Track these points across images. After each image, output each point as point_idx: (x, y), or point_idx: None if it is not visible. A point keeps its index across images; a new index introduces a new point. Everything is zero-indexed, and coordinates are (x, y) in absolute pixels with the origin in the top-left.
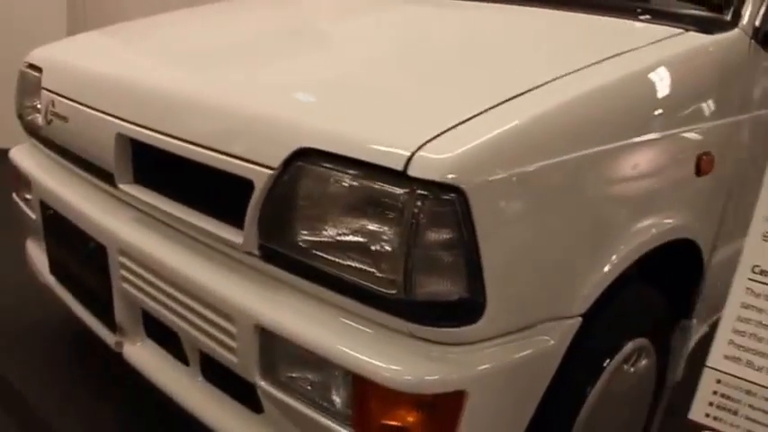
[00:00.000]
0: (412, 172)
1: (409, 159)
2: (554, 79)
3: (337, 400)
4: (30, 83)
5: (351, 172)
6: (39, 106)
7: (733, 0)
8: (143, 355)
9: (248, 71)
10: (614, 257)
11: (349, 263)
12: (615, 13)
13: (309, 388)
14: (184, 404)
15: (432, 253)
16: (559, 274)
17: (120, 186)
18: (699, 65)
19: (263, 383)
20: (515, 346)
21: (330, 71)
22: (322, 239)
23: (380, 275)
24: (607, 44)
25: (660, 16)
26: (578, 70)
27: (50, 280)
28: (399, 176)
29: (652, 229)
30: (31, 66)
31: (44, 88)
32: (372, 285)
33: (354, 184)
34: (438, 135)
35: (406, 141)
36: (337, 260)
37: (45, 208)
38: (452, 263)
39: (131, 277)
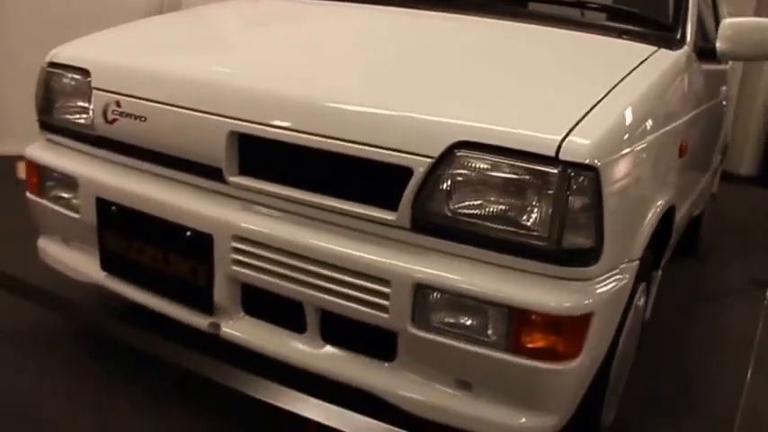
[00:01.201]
0: (562, 156)
1: (558, 147)
2: (616, 85)
3: (491, 332)
4: (66, 84)
5: (505, 157)
6: (87, 107)
7: (678, 23)
8: (245, 330)
9: (361, 70)
10: (653, 215)
11: (504, 227)
12: (601, 31)
13: (466, 326)
14: (306, 365)
15: (575, 215)
16: (633, 229)
17: (231, 179)
18: (676, 73)
19: (415, 331)
20: (613, 281)
21: (439, 70)
22: (478, 211)
23: (535, 233)
24: (622, 59)
25: (635, 36)
26: (624, 78)
27: (99, 276)
28: (550, 160)
29: (668, 194)
30: (64, 66)
31: (98, 89)
32: (528, 241)
33: (509, 166)
34: (572, 128)
35: (550, 134)
36: (494, 225)
37: (105, 205)
38: (587, 221)
39: (248, 260)
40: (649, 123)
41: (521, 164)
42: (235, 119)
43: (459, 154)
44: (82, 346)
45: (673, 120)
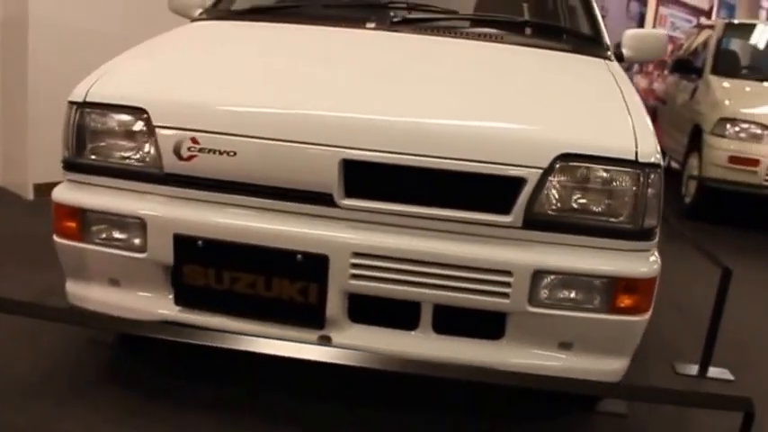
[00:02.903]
0: (640, 159)
1: (636, 153)
2: (624, 97)
3: (597, 298)
4: (114, 124)
5: (597, 163)
6: (143, 146)
7: (599, 36)
8: (356, 337)
9: (444, 94)
10: None
11: (600, 217)
12: (561, 48)
13: (574, 298)
14: (422, 356)
15: (650, 202)
16: None
17: (342, 202)
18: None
19: (531, 309)
20: (656, 248)
21: (497, 89)
22: (578, 206)
23: (622, 219)
24: (600, 73)
25: (585, 51)
26: (621, 90)
27: (171, 311)
28: (632, 163)
29: None
30: (106, 105)
31: (164, 127)
32: (619, 226)
33: (601, 170)
34: (635, 136)
35: (627, 142)
36: (591, 217)
37: (186, 241)
38: (656, 206)
39: (368, 273)
40: None
41: (611, 167)
42: (347, 148)
43: (563, 163)
44: (137, 374)
45: None
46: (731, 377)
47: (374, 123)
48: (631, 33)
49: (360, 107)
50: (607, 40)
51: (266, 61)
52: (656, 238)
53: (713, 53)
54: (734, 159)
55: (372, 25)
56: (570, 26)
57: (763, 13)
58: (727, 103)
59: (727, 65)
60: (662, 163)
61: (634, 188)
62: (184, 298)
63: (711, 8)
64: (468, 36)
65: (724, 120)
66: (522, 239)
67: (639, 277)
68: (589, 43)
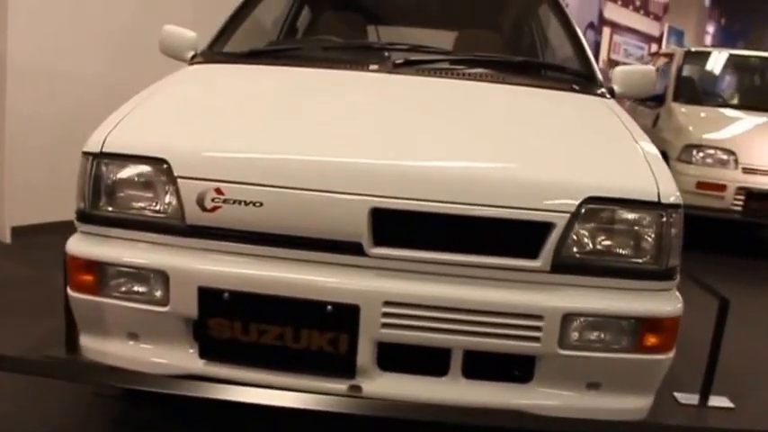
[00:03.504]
0: (662, 200)
1: (658, 194)
2: (633, 137)
3: (624, 339)
4: (133, 175)
5: (621, 206)
6: (164, 197)
7: (592, 73)
8: (387, 385)
9: (470, 139)
10: None
11: (626, 258)
12: (559, 86)
13: (603, 339)
14: (452, 402)
15: (673, 242)
16: None
17: (372, 251)
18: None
19: (561, 351)
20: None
21: (518, 132)
22: (604, 248)
23: (647, 260)
24: (603, 111)
25: (584, 90)
26: (629, 129)
27: (195, 365)
28: (655, 204)
29: None
30: (124, 156)
31: (187, 178)
32: (644, 267)
33: (627, 212)
34: (655, 179)
35: (649, 184)
36: (617, 258)
37: (211, 293)
38: (677, 246)
39: (399, 321)
40: None
41: (635, 209)
42: (377, 196)
43: (589, 207)
44: (143, 426)
45: None
46: (731, 405)
47: (403, 171)
48: (621, 70)
49: (388, 155)
50: (600, 76)
51: (283, 107)
52: (678, 277)
53: (674, 81)
54: (701, 185)
55: (375, 67)
56: (566, 64)
57: (708, 38)
58: (691, 129)
59: (689, 92)
60: (681, 202)
61: (658, 229)
62: (210, 351)
63: (662, 35)
64: (469, 77)
65: (690, 146)
66: (550, 283)
67: (666, 316)
68: (585, 81)
